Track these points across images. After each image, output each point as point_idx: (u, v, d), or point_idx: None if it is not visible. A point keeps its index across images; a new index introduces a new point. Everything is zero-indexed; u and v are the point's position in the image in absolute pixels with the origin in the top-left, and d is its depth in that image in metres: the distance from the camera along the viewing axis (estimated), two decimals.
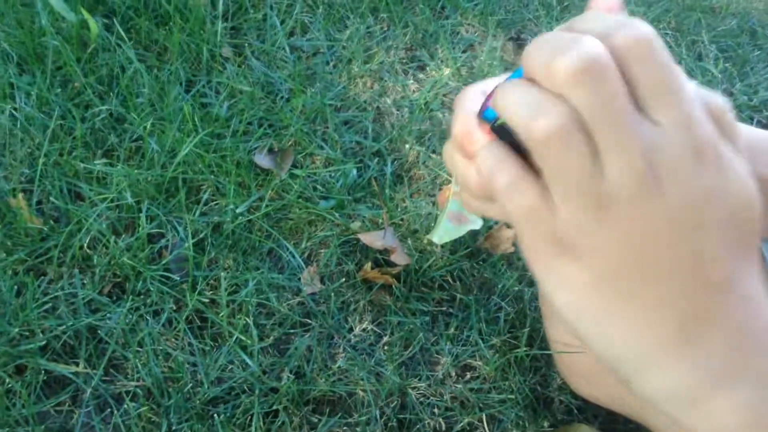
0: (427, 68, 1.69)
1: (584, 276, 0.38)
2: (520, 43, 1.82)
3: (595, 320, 0.38)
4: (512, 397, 1.17)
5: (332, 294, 1.24)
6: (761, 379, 0.37)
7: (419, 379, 1.18)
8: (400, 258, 1.28)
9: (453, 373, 1.20)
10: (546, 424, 1.16)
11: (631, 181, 0.35)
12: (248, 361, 1.13)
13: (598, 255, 0.37)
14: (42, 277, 1.18)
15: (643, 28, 0.35)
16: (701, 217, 0.36)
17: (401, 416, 1.14)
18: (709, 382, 0.37)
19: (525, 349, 1.20)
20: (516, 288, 1.29)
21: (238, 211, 1.29)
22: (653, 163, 0.35)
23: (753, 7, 2.06)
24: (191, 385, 1.10)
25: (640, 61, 0.35)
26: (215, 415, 1.07)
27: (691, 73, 1.79)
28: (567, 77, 0.34)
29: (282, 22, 1.69)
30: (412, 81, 1.66)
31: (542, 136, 0.35)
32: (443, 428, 1.14)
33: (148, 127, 1.36)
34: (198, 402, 1.09)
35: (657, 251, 0.36)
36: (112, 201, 1.27)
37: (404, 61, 1.70)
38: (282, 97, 1.54)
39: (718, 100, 0.38)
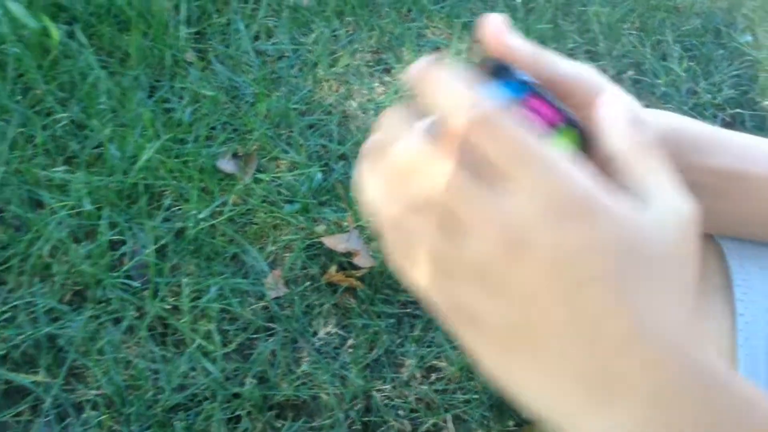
0: (393, 71, 1.69)
1: (486, 341, 0.37)
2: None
3: (509, 381, 0.38)
4: (477, 397, 1.17)
5: (297, 298, 1.24)
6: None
7: (384, 382, 1.18)
8: (364, 260, 1.28)
9: (418, 375, 1.19)
10: (511, 423, 1.16)
11: (490, 251, 0.35)
12: (210, 367, 1.13)
13: (489, 322, 0.37)
14: (1, 286, 1.17)
15: (482, 106, 0.35)
16: (578, 275, 0.35)
17: (366, 419, 1.13)
18: None
19: None
20: None
21: (200, 216, 1.29)
22: (510, 231, 0.35)
23: (717, 6, 2.08)
24: (152, 392, 1.09)
25: (483, 140, 0.35)
26: (177, 422, 1.06)
27: (655, 73, 1.81)
28: (394, 169, 0.37)
29: (246, 27, 1.68)
30: (377, 84, 1.66)
31: (383, 226, 0.38)
32: (408, 430, 1.14)
33: (108, 133, 1.35)
34: (159, 409, 1.08)
35: (540, 315, 0.35)
36: (72, 208, 1.26)
37: (370, 64, 1.70)
38: (246, 102, 1.53)
39: (623, 141, 0.38)
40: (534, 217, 0.35)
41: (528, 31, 1.82)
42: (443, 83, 0.37)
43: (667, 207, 0.38)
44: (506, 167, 0.35)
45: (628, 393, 0.36)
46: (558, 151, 0.36)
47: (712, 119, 1.73)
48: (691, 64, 1.85)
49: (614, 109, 0.42)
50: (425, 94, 0.37)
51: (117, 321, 1.16)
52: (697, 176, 0.56)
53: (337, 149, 1.47)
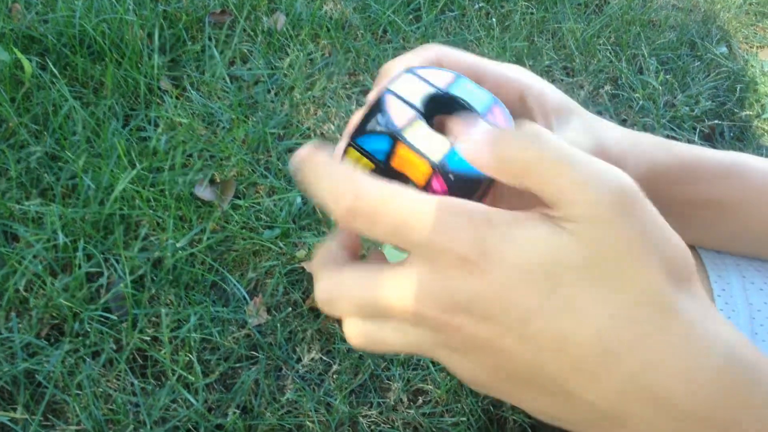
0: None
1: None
2: None
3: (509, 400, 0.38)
4: (465, 419, 1.15)
5: (279, 324, 1.22)
6: None
7: (370, 407, 1.16)
8: None
9: (405, 399, 1.17)
10: None
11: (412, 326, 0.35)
12: (191, 398, 1.10)
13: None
14: None
15: (355, 194, 0.34)
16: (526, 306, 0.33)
17: None
18: None
19: None
20: None
21: (178, 245, 1.27)
22: (431, 302, 0.33)
23: (691, 19, 2.09)
24: (133, 426, 1.07)
25: (361, 228, 0.34)
26: None
27: (632, 87, 1.81)
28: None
29: (221, 53, 1.67)
30: (355, 106, 1.65)
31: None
32: None
33: (82, 164, 1.33)
34: None
35: (502, 380, 0.35)
36: (48, 241, 1.24)
37: (347, 86, 1.69)
38: (223, 128, 1.52)
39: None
40: (425, 291, 0.33)
41: (504, 50, 1.82)
42: (321, 170, 0.36)
43: (585, 208, 0.33)
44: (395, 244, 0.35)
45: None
46: (447, 212, 0.34)
47: (691, 131, 1.73)
48: (667, 77, 1.85)
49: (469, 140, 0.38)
50: (306, 183, 0.36)
51: (95, 354, 1.14)
52: (674, 207, 0.56)
53: None
